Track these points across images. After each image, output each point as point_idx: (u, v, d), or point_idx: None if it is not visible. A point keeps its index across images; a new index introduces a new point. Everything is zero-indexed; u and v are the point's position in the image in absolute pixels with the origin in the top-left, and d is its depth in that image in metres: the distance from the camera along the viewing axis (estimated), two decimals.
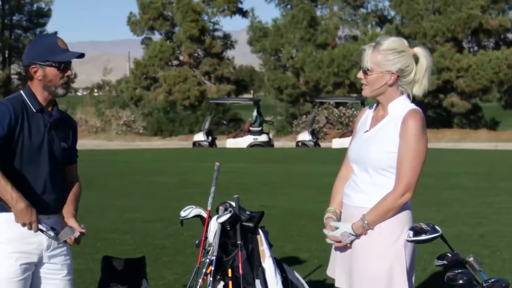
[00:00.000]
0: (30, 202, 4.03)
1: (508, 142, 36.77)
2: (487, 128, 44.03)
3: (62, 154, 4.21)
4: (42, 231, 4.05)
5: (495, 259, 8.73)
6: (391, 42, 4.04)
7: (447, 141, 37.53)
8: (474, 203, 13.74)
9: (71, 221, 4.17)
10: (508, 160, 24.39)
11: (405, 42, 4.09)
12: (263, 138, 32.16)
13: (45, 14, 53.08)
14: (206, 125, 33.02)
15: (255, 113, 32.58)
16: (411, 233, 3.57)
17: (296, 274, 5.64)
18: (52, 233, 4.11)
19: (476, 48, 46.93)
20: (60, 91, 4.14)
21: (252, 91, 62.24)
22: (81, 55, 4.20)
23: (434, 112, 46.76)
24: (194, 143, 32.69)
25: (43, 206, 4.11)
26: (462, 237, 10.18)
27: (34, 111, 4.11)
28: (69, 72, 4.15)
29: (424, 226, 3.57)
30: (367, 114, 4.26)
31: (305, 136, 32.42)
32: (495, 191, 15.50)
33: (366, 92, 4.11)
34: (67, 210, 4.23)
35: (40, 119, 4.12)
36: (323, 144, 33.65)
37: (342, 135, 31.75)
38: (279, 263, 5.51)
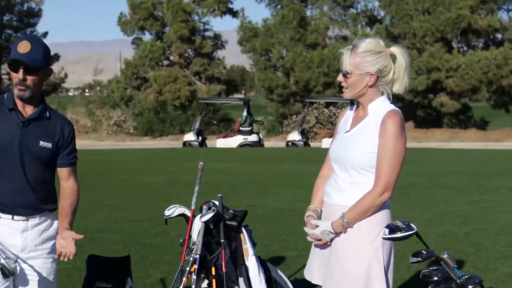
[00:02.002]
0: (6, 201, 4.08)
1: (497, 142, 36.91)
2: (476, 128, 44.13)
3: (44, 154, 4.19)
4: None
5: (480, 257, 8.81)
6: (368, 44, 4.08)
7: (437, 141, 37.64)
8: (461, 202, 13.82)
9: (58, 237, 4.18)
10: (496, 160, 24.50)
11: (381, 42, 4.13)
12: (253, 138, 32.16)
13: (35, 14, 52.92)
14: (196, 125, 33.01)
15: (245, 113, 32.57)
16: (386, 230, 3.62)
17: (280, 272, 5.69)
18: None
19: (465, 48, 47.01)
20: (16, 91, 4.13)
21: (243, 91, 62.25)
22: (22, 62, 4.06)
23: (423, 112, 46.86)
24: (185, 143, 32.67)
25: (22, 205, 4.12)
26: (448, 235, 10.26)
27: (7, 110, 4.14)
28: (19, 74, 4.06)
29: (399, 223, 3.62)
30: (348, 114, 4.31)
31: (295, 136, 32.44)
32: (481, 190, 15.58)
33: (347, 94, 4.15)
34: (60, 225, 4.24)
35: (13, 118, 4.13)
36: (313, 144, 33.69)
37: (332, 135, 31.66)
38: (263, 262, 5.56)
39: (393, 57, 4.11)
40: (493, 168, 20.90)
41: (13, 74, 4.10)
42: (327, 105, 40.48)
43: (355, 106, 4.28)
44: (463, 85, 42.49)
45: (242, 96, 56.37)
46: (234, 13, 50.80)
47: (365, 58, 4.04)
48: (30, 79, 4.10)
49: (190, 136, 32.60)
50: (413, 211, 12.13)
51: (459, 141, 37.84)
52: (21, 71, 4.07)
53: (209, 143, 33.66)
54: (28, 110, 4.17)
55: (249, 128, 32.30)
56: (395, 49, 4.13)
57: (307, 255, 8.22)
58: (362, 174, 4.08)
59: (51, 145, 4.20)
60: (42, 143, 4.17)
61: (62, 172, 4.31)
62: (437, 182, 17.02)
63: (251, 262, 5.36)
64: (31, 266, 4.20)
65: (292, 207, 12.96)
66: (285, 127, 40.90)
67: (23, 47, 4.07)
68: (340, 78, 4.15)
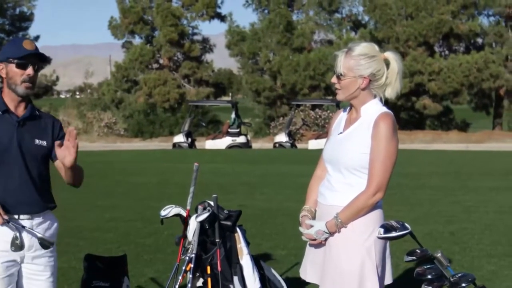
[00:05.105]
0: (11, 201, 4.05)
1: (478, 143, 37.06)
2: (458, 130, 44.33)
3: (40, 152, 4.18)
4: (7, 221, 4.01)
5: (465, 256, 8.84)
6: (363, 47, 4.09)
7: (420, 142, 37.73)
8: (445, 202, 13.86)
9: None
10: (477, 160, 24.60)
11: (376, 47, 4.14)
12: (241, 139, 32.18)
13: (27, 18, 52.74)
14: (186, 127, 32.99)
15: (233, 115, 32.59)
16: (381, 230, 3.63)
17: (273, 271, 5.69)
18: (20, 228, 4.04)
19: (447, 52, 47.21)
20: (20, 89, 4.12)
21: (230, 94, 62.16)
22: (38, 55, 4.14)
23: (407, 114, 46.99)
24: (174, 145, 32.65)
25: (26, 203, 4.10)
26: (433, 234, 10.27)
27: (0, 113, 4.13)
28: (28, 71, 4.10)
29: (394, 223, 3.63)
30: (341, 116, 4.31)
31: (282, 138, 32.46)
32: (464, 190, 15.64)
33: (340, 96, 4.17)
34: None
35: (7, 119, 4.12)
36: (299, 145, 33.73)
37: (318, 137, 31.81)
38: (257, 260, 5.56)
39: (387, 62, 4.12)
40: (474, 169, 20.98)
41: (18, 72, 4.09)
42: (313, 107, 40.52)
43: (348, 108, 4.29)
44: (445, 88, 42.69)
45: (229, 98, 56.27)
46: (222, 18, 50.78)
47: (359, 61, 4.06)
48: (34, 75, 4.15)
49: (179, 138, 32.59)
50: (399, 211, 12.14)
51: (441, 142, 37.97)
52: (31, 67, 4.11)
53: (198, 144, 33.66)
54: (20, 110, 4.17)
55: (237, 130, 32.33)
56: (389, 55, 4.15)
57: (297, 254, 8.28)
58: (355, 175, 4.08)
59: (45, 143, 4.20)
60: (37, 141, 4.17)
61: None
62: (421, 183, 17.08)
63: (246, 261, 5.35)
64: (37, 265, 4.19)
65: (281, 206, 12.97)
66: (272, 129, 40.93)
67: (30, 45, 4.13)
68: (333, 79, 4.16)
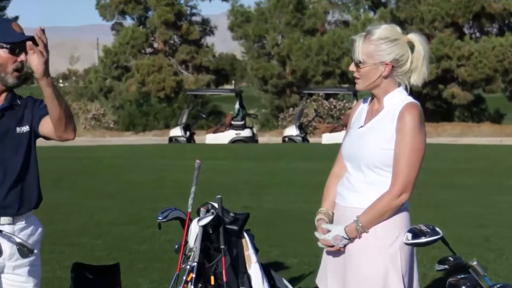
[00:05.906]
0: None
1: None
2: (490, 121, 44.22)
3: (24, 140, 4.16)
4: None
5: (501, 264, 8.83)
6: (383, 30, 4.08)
7: (448, 136, 37.72)
8: (476, 202, 13.86)
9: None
10: None
11: (398, 29, 4.13)
12: (246, 133, 32.20)
13: None
14: (184, 119, 33.02)
15: (237, 106, 32.62)
16: (409, 235, 3.63)
17: (285, 281, 5.70)
18: None
19: (478, 34, 47.08)
20: (10, 79, 4.10)
21: (233, 82, 62.26)
22: (32, 38, 4.00)
23: (433, 104, 46.89)
24: (170, 139, 32.70)
25: (8, 202, 4.09)
26: (464, 239, 10.24)
27: None
28: (22, 57, 4.06)
29: (423, 228, 3.63)
30: (362, 108, 4.30)
31: (292, 131, 32.48)
32: (498, 189, 15.63)
33: (360, 86, 4.16)
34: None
35: None
36: (312, 139, 33.76)
37: (332, 130, 31.84)
38: (266, 269, 5.57)
39: (411, 45, 4.12)
40: (509, 165, 20.94)
41: (10, 58, 4.07)
42: (327, 96, 40.52)
43: (369, 99, 4.28)
44: (476, 75, 42.61)
45: (232, 87, 56.34)
46: None
47: (379, 46, 4.05)
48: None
49: (176, 131, 32.64)
50: (424, 212, 12.09)
51: (472, 135, 37.93)
52: (24, 53, 4.05)
53: (198, 138, 33.71)
54: None
55: (242, 122, 32.35)
56: (413, 37, 4.14)
57: (311, 262, 8.28)
58: (377, 173, 4.08)
59: (27, 127, 4.17)
60: (18, 129, 4.15)
61: (48, 120, 4.10)
62: (449, 181, 17.08)
63: (254, 270, 5.36)
64: (19, 276, 4.20)
65: (290, 208, 12.99)
66: (281, 121, 40.97)
67: (19, 28, 4.09)
68: (352, 67, 4.15)
